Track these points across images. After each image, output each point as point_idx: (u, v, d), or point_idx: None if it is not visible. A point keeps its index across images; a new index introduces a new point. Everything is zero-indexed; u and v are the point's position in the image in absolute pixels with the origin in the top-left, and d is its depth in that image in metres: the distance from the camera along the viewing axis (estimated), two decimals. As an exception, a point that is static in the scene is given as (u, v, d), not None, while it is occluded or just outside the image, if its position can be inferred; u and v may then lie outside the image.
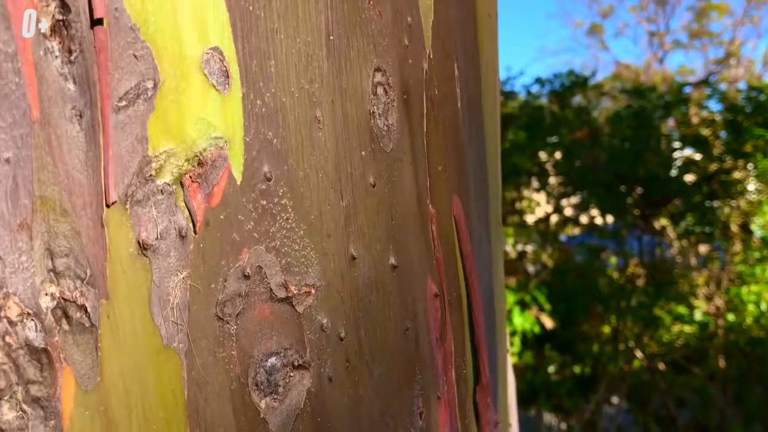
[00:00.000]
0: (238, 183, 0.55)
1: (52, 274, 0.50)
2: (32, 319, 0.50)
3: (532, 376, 4.99)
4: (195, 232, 0.54)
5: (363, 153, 0.62)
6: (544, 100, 5.90)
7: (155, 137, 0.52)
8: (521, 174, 5.38)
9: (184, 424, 0.54)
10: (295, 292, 0.58)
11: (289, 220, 0.57)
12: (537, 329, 4.84)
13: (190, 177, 0.53)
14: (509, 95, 5.83)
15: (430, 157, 0.69)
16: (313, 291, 0.59)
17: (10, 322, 0.49)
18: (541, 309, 4.97)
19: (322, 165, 0.59)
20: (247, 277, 0.56)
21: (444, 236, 0.71)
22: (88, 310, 0.51)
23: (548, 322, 5.06)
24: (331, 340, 0.60)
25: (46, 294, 0.50)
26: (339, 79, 0.60)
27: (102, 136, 0.51)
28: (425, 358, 0.69)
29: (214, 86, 0.53)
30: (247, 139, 0.55)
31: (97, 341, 0.52)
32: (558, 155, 5.57)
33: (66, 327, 0.51)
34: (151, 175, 0.52)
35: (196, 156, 0.53)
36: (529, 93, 5.87)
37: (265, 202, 0.56)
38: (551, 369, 5.22)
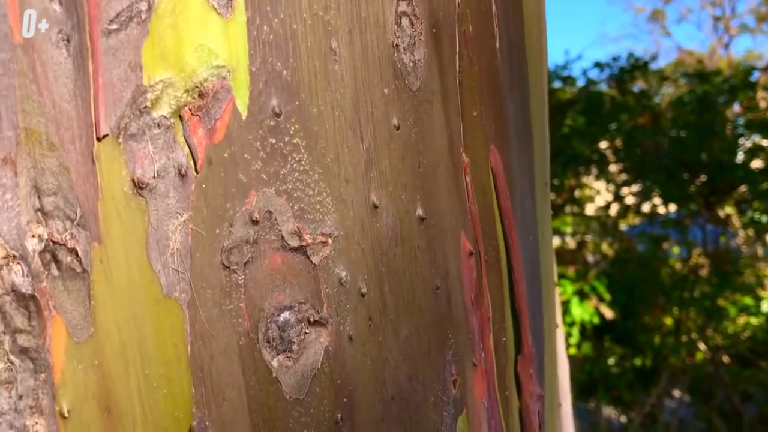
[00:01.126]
0: (243, 118, 0.50)
1: (39, 213, 0.46)
2: (18, 263, 0.46)
3: (591, 368, 4.84)
4: (196, 170, 0.49)
5: (385, 90, 0.56)
6: (603, 87, 5.72)
7: (150, 65, 0.47)
8: (580, 161, 5.23)
9: (188, 382, 0.49)
10: (310, 241, 0.53)
11: (302, 162, 0.52)
12: (596, 320, 4.70)
13: (190, 110, 0.48)
14: (567, 80, 5.66)
15: (464, 101, 0.62)
16: (329, 241, 0.53)
17: (-4, 266, 0.45)
18: (601, 299, 4.82)
19: (339, 102, 0.53)
20: (255, 222, 0.50)
21: (480, 189, 0.64)
22: (79, 253, 0.47)
23: (608, 313, 4.91)
24: (351, 296, 0.55)
25: (33, 235, 0.46)
26: (358, 7, 0.54)
27: (91, 62, 0.46)
28: (459, 321, 0.62)
29: (215, 9, 0.48)
30: (253, 69, 0.50)
31: (89, 288, 0.47)
32: (618, 142, 5.39)
33: (55, 272, 0.47)
34: (146, 107, 0.47)
35: (196, 87, 0.48)
36: (588, 80, 5.69)
37: (274, 141, 0.51)
38: (611, 361, 5.06)
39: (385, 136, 0.56)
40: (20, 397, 0.46)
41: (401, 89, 0.57)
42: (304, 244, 0.52)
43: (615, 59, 5.58)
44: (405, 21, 0.57)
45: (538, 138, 0.78)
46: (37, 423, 0.47)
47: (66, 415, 0.47)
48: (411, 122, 0.57)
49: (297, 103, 0.51)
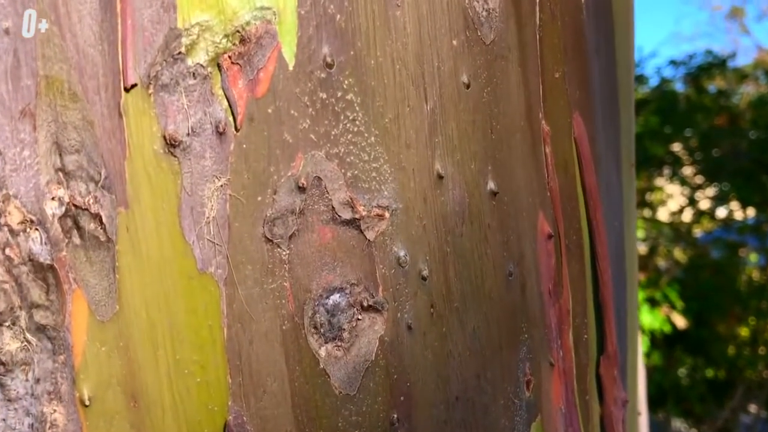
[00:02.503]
0: (290, 68, 0.43)
1: (60, 173, 0.41)
2: (36, 229, 0.40)
3: (660, 378, 4.64)
4: (236, 128, 0.43)
5: (454, 42, 0.48)
6: (678, 86, 5.48)
7: (186, 5, 0.41)
8: (653, 163, 5.02)
9: (224, 370, 0.43)
10: (364, 213, 0.46)
11: (357, 122, 0.45)
12: (667, 328, 4.49)
13: (230, 58, 0.42)
14: (640, 79, 5.45)
15: (544, 59, 0.54)
16: (387, 214, 0.47)
17: (11, 231, 0.40)
18: (673, 307, 4.61)
19: (401, 54, 0.46)
20: (302, 189, 0.44)
21: (561, 162, 0.56)
22: (104, 220, 0.41)
23: (680, 321, 4.70)
24: (411, 279, 0.48)
25: (53, 198, 0.41)
26: (424, -55, 0.47)
27: (119, 1, 0.41)
28: (534, 314, 0.55)
29: (259, -59, 0.42)
30: (302, 12, 0.43)
31: (114, 260, 0.42)
32: (693, 143, 5.16)
33: (77, 240, 0.41)
34: (180, 53, 0.41)
35: (237, 31, 0.42)
36: (662, 78, 5.47)
37: (324, 96, 0.44)
38: (681, 371, 4.84)
39: (453, 95, 0.49)
40: (37, 381, 0.41)
41: (473, 41, 0.49)
42: (357, 216, 0.46)
43: (691, 57, 5.35)
44: (478, -36, 0.49)
45: (624, 109, 0.69)
46: (55, 411, 0.41)
47: (87, 402, 0.42)
48: (483, 80, 0.50)
49: (352, 52, 0.45)
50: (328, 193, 0.45)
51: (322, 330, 0.45)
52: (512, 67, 0.52)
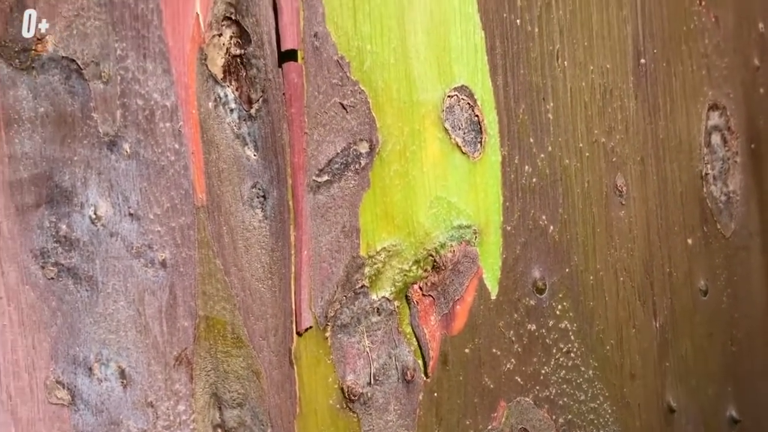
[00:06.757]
0: (493, 297, 0.35)
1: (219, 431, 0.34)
2: (191, 500, 0.34)
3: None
4: (426, 374, 0.34)
5: (689, 241, 0.39)
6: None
7: (371, 228, 0.34)
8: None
9: None
10: (580, 466, 0.36)
11: (572, 354, 0.36)
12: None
13: (421, 288, 0.34)
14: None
15: (789, 240, 0.43)
16: (607, 464, 0.37)
17: (163, 501, 0.33)
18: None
19: (625, 263, 0.37)
20: (504, 444, 0.35)
21: (806, 362, 0.45)
22: (269, 489, 0.34)
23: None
24: None
25: (211, 463, 0.34)
26: (653, 125, 0.38)
27: (294, 227, 0.34)
28: None
29: (458, 147, 0.34)
30: (508, 228, 0.35)
31: None
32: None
33: None
34: (363, 286, 0.34)
35: (430, 255, 0.34)
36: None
37: (533, 327, 0.35)
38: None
39: (687, 305, 0.39)
40: None
41: (711, 236, 0.39)
42: (571, 471, 0.36)
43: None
44: (716, 138, 0.40)
45: None
46: None
47: None
48: (722, 282, 0.40)
49: (567, 270, 0.36)
50: (535, 444, 0.36)
51: None
52: (754, 258, 0.41)
